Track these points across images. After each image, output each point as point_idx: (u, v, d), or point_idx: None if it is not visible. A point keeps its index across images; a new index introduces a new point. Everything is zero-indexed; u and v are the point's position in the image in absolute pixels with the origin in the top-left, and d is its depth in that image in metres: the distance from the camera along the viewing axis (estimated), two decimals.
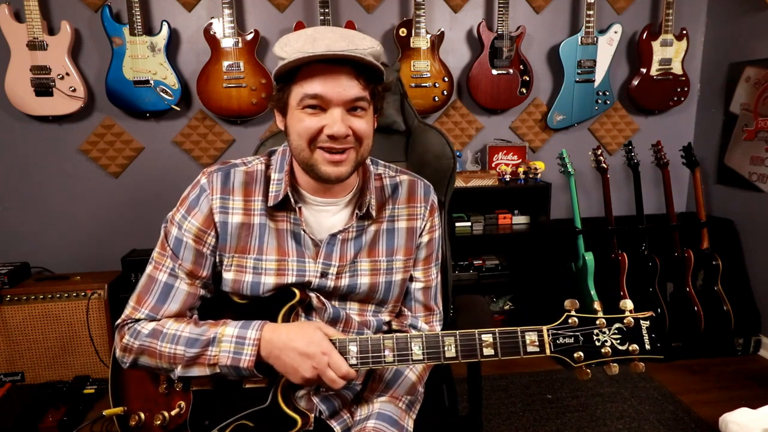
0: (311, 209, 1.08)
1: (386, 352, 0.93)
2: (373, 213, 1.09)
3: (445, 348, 0.92)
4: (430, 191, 1.17)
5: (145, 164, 2.74)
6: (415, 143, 1.56)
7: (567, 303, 0.90)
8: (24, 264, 2.56)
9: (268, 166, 1.08)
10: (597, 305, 0.90)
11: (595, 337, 0.88)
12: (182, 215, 1.04)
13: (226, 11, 2.47)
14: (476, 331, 0.91)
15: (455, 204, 2.92)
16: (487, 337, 0.90)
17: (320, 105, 0.94)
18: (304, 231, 1.06)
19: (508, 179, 2.82)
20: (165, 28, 2.51)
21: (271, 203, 1.04)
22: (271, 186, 1.05)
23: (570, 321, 0.89)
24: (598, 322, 0.88)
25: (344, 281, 1.08)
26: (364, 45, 0.93)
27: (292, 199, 1.04)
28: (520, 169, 2.87)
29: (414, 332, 1.02)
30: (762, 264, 2.75)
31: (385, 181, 1.14)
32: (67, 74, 2.46)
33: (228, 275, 1.05)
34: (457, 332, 0.92)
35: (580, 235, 2.71)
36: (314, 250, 1.06)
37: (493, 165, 2.91)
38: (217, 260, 1.06)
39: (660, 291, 2.76)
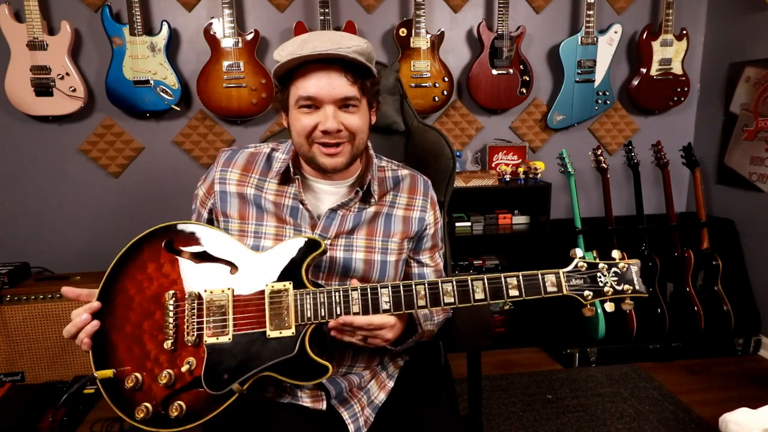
0: (313, 191, 1.17)
1: (419, 298, 1.01)
2: (375, 197, 1.16)
3: (475, 291, 1.01)
4: (429, 186, 1.27)
5: (145, 164, 2.74)
6: (415, 143, 1.56)
7: (572, 252, 1.04)
8: (24, 264, 2.56)
9: (274, 149, 1.21)
10: (595, 253, 1.06)
11: (599, 279, 1.03)
12: (199, 186, 1.23)
13: (226, 11, 2.47)
14: (502, 274, 1.02)
15: (455, 204, 2.93)
16: (512, 280, 1.01)
17: (314, 104, 1.03)
18: (302, 203, 1.13)
19: (508, 179, 2.82)
20: (165, 28, 2.51)
21: (272, 177, 1.15)
22: (275, 163, 1.17)
23: (579, 265, 1.03)
24: (600, 266, 1.03)
25: (339, 253, 1.14)
26: (349, 44, 1.00)
27: (291, 170, 1.13)
28: (520, 169, 2.87)
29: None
30: (762, 264, 2.75)
31: (387, 173, 1.23)
32: (67, 74, 2.46)
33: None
34: (485, 276, 1.01)
35: (580, 235, 2.71)
36: (311, 222, 1.14)
37: (493, 165, 2.91)
38: (221, 226, 1.17)
39: (660, 291, 2.76)
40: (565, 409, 2.29)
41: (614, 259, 1.04)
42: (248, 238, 1.13)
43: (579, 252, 1.03)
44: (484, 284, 1.00)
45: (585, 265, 1.03)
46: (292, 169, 1.13)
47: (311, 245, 1.04)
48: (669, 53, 2.84)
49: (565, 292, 1.01)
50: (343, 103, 1.03)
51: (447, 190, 1.50)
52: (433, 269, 1.27)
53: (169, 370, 0.99)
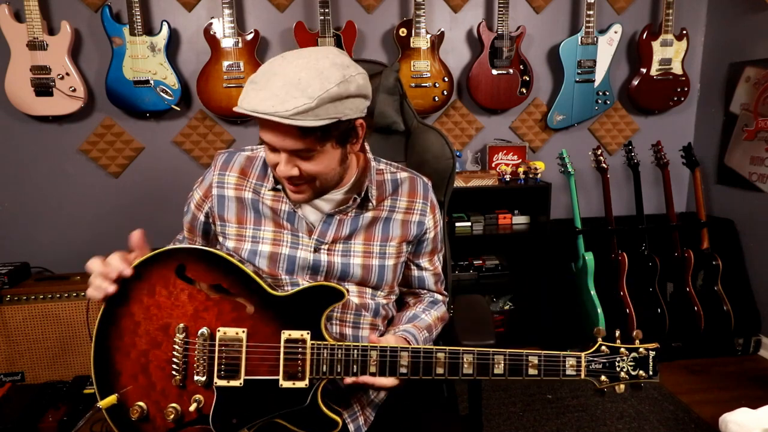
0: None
1: (438, 366, 0.99)
2: (373, 201, 1.15)
3: (495, 365, 0.99)
4: (429, 188, 1.24)
5: (145, 164, 2.74)
6: (415, 144, 1.56)
7: (596, 330, 1.03)
8: (24, 264, 2.56)
9: None
10: (617, 333, 1.04)
11: (617, 365, 1.02)
12: (195, 188, 1.21)
13: (226, 11, 2.47)
14: (524, 352, 1.00)
15: (455, 204, 2.93)
16: (533, 359, 1.00)
17: (272, 147, 1.00)
18: (296, 211, 1.13)
19: (508, 179, 2.82)
20: (165, 28, 2.51)
21: (268, 183, 1.14)
22: (270, 169, 1.12)
23: (602, 349, 1.02)
24: (621, 351, 1.02)
25: (337, 258, 1.13)
26: (293, 105, 0.90)
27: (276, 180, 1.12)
28: (520, 169, 2.87)
29: (464, 346, 1.07)
30: (762, 264, 2.75)
31: (386, 176, 1.21)
32: (67, 74, 2.46)
33: (230, 244, 1.14)
34: (507, 351, 1.00)
35: (580, 235, 2.71)
36: (308, 229, 1.13)
37: (493, 165, 2.91)
38: (218, 230, 1.17)
39: (660, 291, 2.76)
40: (565, 409, 2.29)
41: (635, 343, 1.03)
42: (246, 242, 1.13)
43: (603, 331, 1.03)
44: (505, 359, 0.99)
45: (607, 350, 1.02)
46: (275, 181, 1.12)
47: (333, 294, 1.00)
48: (669, 53, 2.84)
49: (582, 377, 1.01)
50: (297, 153, 0.98)
51: (447, 190, 1.50)
52: (432, 272, 1.27)
53: (177, 406, 0.98)
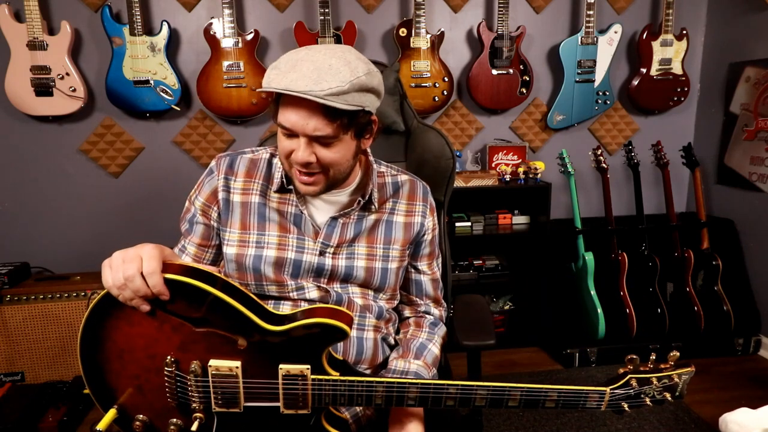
0: (314, 200, 1.15)
1: (448, 400, 0.96)
2: (375, 204, 1.16)
3: (510, 398, 0.96)
4: (428, 192, 1.26)
5: (145, 164, 2.74)
6: (415, 143, 1.56)
7: (627, 360, 0.96)
8: (24, 264, 2.56)
9: (273, 155, 1.18)
10: (652, 357, 0.97)
11: (643, 394, 0.96)
12: (195, 195, 1.18)
13: (226, 11, 2.47)
14: (544, 388, 0.96)
15: (455, 204, 2.93)
16: (553, 394, 0.95)
17: (291, 133, 1.00)
18: (303, 212, 1.13)
19: (508, 179, 2.82)
20: (165, 28, 2.51)
21: (274, 186, 1.14)
22: (275, 171, 1.15)
23: (631, 383, 0.96)
24: (653, 381, 0.95)
25: (341, 261, 1.14)
26: (328, 85, 0.92)
27: (285, 182, 1.12)
28: (520, 169, 2.87)
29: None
30: (762, 264, 2.75)
31: (387, 179, 1.22)
32: (67, 74, 2.46)
33: (231, 250, 1.13)
34: (525, 387, 0.96)
35: (580, 235, 2.71)
36: (314, 231, 1.14)
37: (493, 165, 2.91)
38: (221, 235, 1.15)
39: (660, 291, 2.76)
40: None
41: (668, 365, 0.96)
42: (249, 248, 1.12)
43: (637, 361, 0.96)
44: (521, 395, 0.96)
45: (637, 384, 0.95)
46: (285, 181, 1.12)
47: (336, 332, 0.91)
48: (669, 53, 2.84)
49: (602, 410, 0.97)
50: (318, 139, 0.99)
51: (447, 191, 1.50)
52: (431, 278, 1.27)
53: (179, 422, 0.96)
